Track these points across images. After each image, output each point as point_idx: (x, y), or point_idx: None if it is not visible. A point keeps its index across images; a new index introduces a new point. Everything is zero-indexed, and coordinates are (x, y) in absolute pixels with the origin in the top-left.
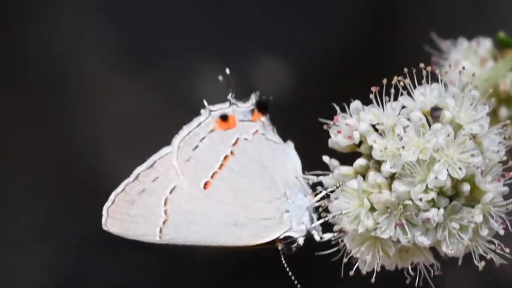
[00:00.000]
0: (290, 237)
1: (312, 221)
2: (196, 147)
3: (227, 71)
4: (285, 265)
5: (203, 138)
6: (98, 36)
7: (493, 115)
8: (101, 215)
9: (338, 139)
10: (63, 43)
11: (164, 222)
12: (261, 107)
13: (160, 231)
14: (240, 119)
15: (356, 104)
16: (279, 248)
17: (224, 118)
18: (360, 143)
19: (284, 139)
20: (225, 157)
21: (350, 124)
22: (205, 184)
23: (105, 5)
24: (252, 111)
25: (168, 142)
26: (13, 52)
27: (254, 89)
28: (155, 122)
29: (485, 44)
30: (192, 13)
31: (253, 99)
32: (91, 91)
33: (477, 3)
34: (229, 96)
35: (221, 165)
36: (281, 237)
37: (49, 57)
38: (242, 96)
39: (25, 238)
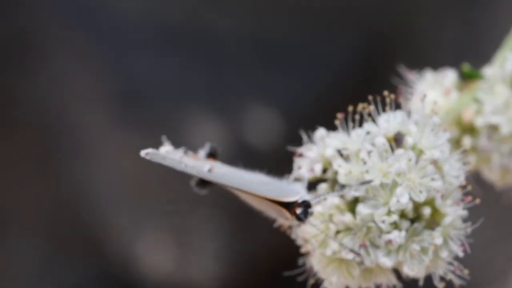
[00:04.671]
0: (306, 200)
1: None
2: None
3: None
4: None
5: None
6: (93, 88)
7: (456, 144)
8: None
9: (301, 172)
10: (56, 96)
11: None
12: (212, 156)
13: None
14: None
15: (320, 132)
16: (297, 212)
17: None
18: (325, 170)
19: None
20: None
21: (310, 157)
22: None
23: (99, 58)
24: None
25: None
26: (7, 106)
27: (244, 139)
28: (150, 173)
29: (450, 76)
30: (185, 64)
31: (202, 153)
32: (87, 142)
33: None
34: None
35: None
36: (300, 201)
37: (43, 110)
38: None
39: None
